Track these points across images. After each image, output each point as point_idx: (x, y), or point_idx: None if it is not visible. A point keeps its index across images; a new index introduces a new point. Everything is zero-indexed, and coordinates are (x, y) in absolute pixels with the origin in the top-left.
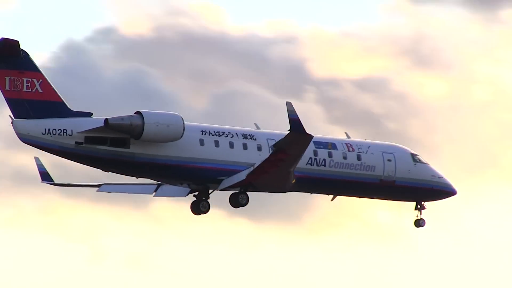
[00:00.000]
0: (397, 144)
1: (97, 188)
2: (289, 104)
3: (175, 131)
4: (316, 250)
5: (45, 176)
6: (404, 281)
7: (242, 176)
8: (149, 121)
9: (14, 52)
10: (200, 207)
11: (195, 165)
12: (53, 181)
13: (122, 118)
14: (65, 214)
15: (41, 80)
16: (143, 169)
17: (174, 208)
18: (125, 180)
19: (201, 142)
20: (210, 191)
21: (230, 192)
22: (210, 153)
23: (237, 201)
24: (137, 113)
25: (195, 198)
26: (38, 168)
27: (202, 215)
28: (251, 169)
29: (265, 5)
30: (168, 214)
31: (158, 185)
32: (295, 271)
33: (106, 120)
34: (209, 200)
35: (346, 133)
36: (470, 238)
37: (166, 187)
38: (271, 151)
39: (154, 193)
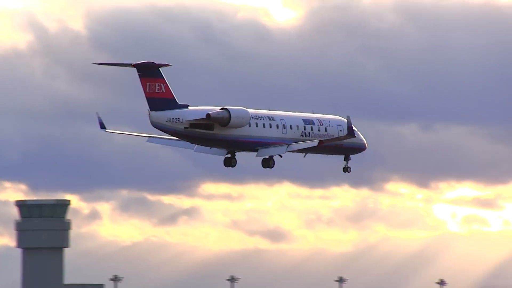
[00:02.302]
0: (341, 117)
1: (146, 139)
2: (348, 118)
3: (246, 121)
4: None
5: (102, 125)
6: None
7: (282, 150)
8: (233, 115)
9: (157, 69)
10: (231, 162)
11: (247, 140)
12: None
13: (217, 113)
14: None
15: (164, 84)
16: (219, 143)
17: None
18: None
19: (249, 125)
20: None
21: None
22: (255, 132)
23: (268, 164)
24: (224, 108)
25: (227, 156)
26: (98, 120)
27: (230, 167)
28: (288, 148)
29: None
30: None
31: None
32: None
33: (208, 114)
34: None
35: (312, 111)
36: None
37: (202, 147)
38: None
39: (196, 147)
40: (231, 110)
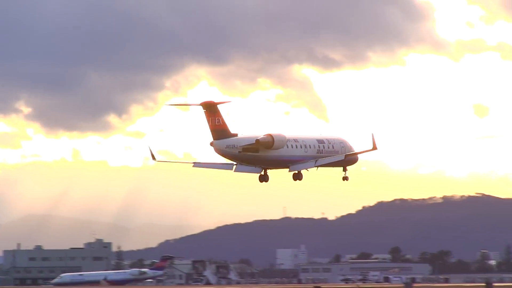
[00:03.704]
0: (342, 138)
1: (192, 164)
2: (372, 135)
3: (284, 144)
4: None
5: (153, 157)
6: None
7: (311, 165)
8: (276, 140)
9: (216, 106)
10: (265, 178)
11: (282, 159)
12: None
13: (264, 138)
14: None
15: (221, 118)
16: (262, 162)
17: None
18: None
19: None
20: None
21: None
22: (287, 152)
23: (298, 177)
24: (268, 134)
25: (261, 173)
26: (150, 152)
27: (264, 182)
28: (315, 163)
29: None
30: None
31: (235, 165)
32: None
33: (257, 139)
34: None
35: (320, 133)
36: None
37: (242, 166)
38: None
39: (235, 166)
40: (274, 136)
